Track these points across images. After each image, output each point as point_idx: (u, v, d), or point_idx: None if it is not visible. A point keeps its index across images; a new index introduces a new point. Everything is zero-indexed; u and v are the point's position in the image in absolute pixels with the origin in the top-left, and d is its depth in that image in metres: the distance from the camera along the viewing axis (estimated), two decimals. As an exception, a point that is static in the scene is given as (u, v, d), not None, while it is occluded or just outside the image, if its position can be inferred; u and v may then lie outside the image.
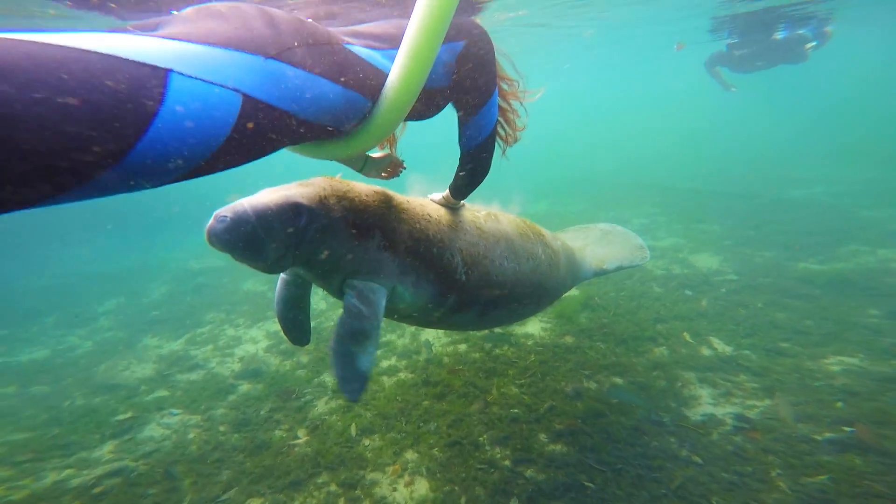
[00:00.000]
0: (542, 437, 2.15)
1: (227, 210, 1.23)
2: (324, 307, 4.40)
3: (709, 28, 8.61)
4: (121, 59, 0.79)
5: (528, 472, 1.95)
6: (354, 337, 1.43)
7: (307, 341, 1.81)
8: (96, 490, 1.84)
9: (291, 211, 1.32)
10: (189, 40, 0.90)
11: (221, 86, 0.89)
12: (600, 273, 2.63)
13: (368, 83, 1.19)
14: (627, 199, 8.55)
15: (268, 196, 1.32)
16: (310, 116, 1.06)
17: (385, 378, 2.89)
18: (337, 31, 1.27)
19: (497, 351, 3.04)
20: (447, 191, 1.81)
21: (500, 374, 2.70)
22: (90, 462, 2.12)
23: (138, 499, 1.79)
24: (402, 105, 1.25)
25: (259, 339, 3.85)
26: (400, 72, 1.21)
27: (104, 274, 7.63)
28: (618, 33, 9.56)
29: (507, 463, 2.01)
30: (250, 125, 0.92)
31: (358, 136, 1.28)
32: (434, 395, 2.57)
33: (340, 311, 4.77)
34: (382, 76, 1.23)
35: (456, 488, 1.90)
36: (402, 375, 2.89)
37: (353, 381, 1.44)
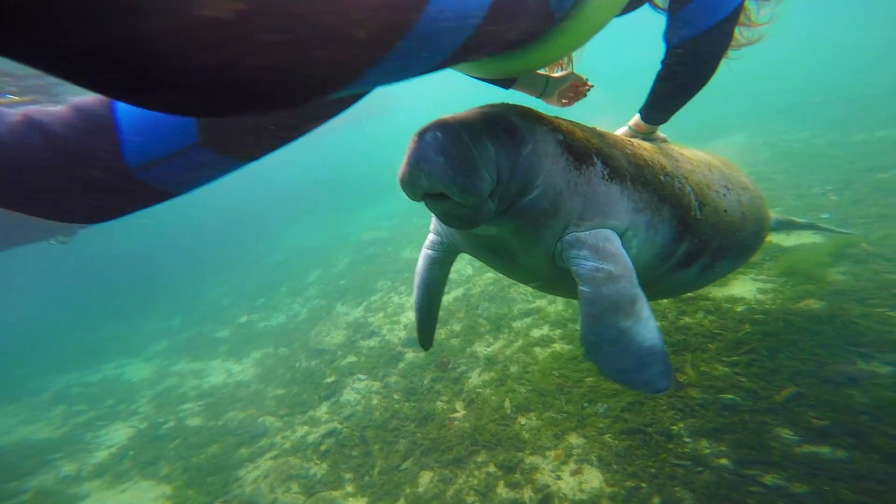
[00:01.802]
0: (786, 433, 1.65)
1: (434, 126, 0.98)
2: (470, 272, 4.55)
3: None
4: None
5: (768, 479, 1.52)
6: (618, 308, 1.08)
7: (431, 344, 1.72)
8: (322, 447, 2.49)
9: (503, 128, 1.06)
10: None
11: None
12: (785, 225, 2.08)
13: None
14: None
15: (471, 114, 1.07)
16: None
17: (538, 349, 2.79)
18: None
19: (686, 319, 2.45)
20: (636, 116, 1.46)
21: (695, 349, 2.18)
22: (315, 420, 2.86)
23: (347, 459, 2.32)
24: None
25: (417, 306, 4.32)
26: None
27: (308, 248, 9.97)
28: None
29: (724, 462, 1.62)
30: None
31: (566, 31, 0.96)
32: (599, 371, 2.29)
33: (489, 274, 4.82)
34: None
35: (643, 485, 1.64)
36: (557, 347, 2.74)
37: (649, 365, 1.08)
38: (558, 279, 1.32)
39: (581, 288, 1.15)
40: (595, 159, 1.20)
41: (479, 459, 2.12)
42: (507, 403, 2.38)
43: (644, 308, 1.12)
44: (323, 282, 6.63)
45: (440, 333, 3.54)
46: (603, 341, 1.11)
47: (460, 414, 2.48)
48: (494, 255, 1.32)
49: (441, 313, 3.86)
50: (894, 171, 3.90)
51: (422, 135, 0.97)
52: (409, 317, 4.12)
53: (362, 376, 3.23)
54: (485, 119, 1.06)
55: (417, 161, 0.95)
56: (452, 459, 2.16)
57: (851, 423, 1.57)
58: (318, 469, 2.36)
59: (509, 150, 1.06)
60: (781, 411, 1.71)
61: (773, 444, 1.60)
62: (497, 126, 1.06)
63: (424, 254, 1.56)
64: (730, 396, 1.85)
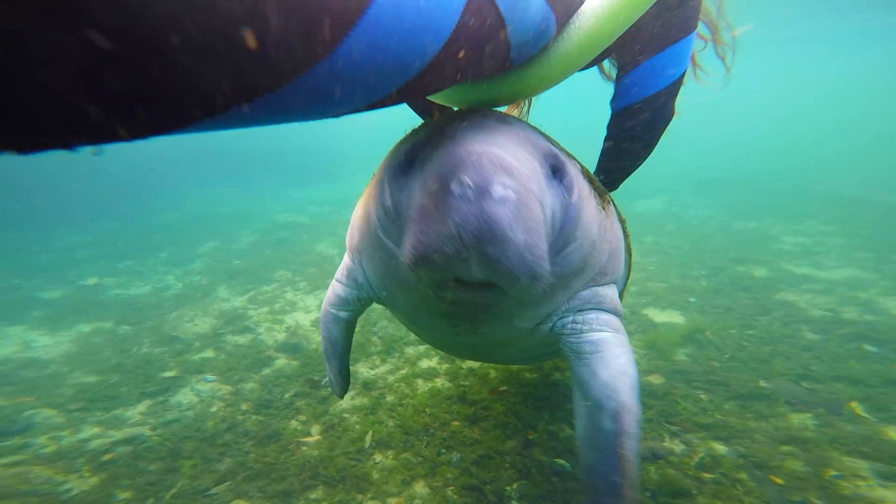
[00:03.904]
0: (590, 508, 1.74)
1: (495, 171, 0.67)
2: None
3: None
4: None
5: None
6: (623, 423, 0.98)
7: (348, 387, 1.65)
8: (106, 457, 2.06)
9: (550, 162, 0.83)
10: None
11: None
12: None
13: (566, 6, 0.90)
14: (782, 209, 6.83)
15: (506, 135, 0.79)
16: (513, 33, 0.78)
17: (420, 382, 2.70)
18: None
19: (557, 375, 2.60)
20: None
21: (553, 408, 2.29)
22: (119, 422, 2.41)
23: (137, 474, 1.94)
24: (603, 37, 0.89)
25: (311, 308, 4.02)
26: None
27: (213, 216, 9.03)
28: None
29: (533, 532, 1.66)
30: (469, 31, 0.66)
31: (521, 77, 0.92)
32: (467, 417, 2.30)
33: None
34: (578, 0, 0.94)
35: (457, 554, 1.62)
36: (438, 383, 2.67)
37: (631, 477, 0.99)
38: (520, 347, 1.19)
39: (595, 387, 0.98)
40: (607, 195, 1.06)
41: (313, 496, 1.92)
42: (369, 436, 2.23)
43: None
44: (215, 256, 5.97)
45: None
46: (609, 466, 0.99)
47: (313, 439, 2.27)
48: (447, 320, 1.05)
49: (334, 321, 3.63)
50: (748, 264, 4.61)
51: (480, 188, 0.64)
52: (297, 318, 3.81)
53: (211, 377, 2.84)
54: (530, 148, 0.80)
55: (480, 239, 0.62)
56: (281, 491, 1.92)
57: (636, 501, 1.70)
58: (80, 484, 1.91)
59: (563, 200, 0.82)
60: (587, 481, 1.82)
61: (575, 517, 1.67)
62: (545, 159, 0.81)
63: (335, 317, 1.36)
64: (562, 462, 1.93)
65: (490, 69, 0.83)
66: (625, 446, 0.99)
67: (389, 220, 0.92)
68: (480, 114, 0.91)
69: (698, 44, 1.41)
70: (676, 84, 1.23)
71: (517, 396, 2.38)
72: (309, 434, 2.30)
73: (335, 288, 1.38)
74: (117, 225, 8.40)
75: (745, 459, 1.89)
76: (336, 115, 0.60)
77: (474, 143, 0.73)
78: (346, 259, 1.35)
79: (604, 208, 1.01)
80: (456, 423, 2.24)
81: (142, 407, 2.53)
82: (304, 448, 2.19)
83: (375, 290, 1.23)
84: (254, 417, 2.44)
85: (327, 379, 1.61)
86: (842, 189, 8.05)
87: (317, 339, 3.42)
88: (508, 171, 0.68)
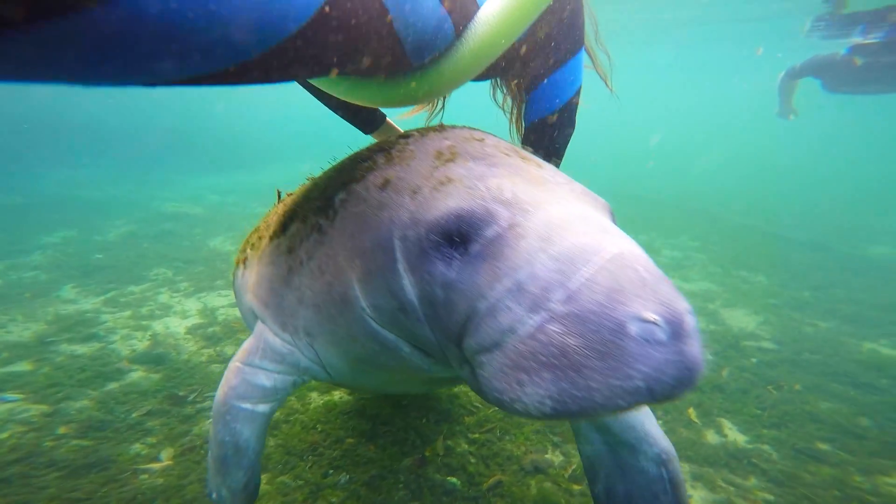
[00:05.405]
0: (462, 525, 1.64)
1: (675, 300, 0.55)
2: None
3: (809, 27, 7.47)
4: None
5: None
6: None
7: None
8: None
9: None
10: None
11: None
12: None
13: (463, 11, 0.99)
14: (664, 224, 7.72)
15: (601, 216, 0.71)
16: (402, 27, 0.83)
17: (315, 395, 2.40)
18: None
19: (459, 388, 2.52)
20: None
21: (452, 421, 2.19)
22: None
23: None
24: (497, 43, 1.01)
25: (191, 313, 3.45)
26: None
27: (77, 200, 7.53)
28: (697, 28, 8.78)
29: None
30: (342, 4, 0.70)
31: (425, 77, 1.03)
32: (363, 433, 2.08)
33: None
34: (475, 7, 1.04)
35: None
36: (336, 396, 2.40)
37: None
38: None
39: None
40: None
41: (142, 537, 1.55)
42: (237, 458, 1.90)
43: None
44: (68, 248, 4.91)
45: (202, 355, 2.83)
46: None
47: (160, 465, 1.86)
48: (428, 381, 1.16)
49: (216, 330, 3.14)
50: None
51: (674, 325, 0.52)
52: (168, 324, 3.24)
53: (13, 395, 2.21)
54: (603, 209, 0.82)
55: (678, 388, 0.52)
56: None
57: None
58: None
59: None
60: (482, 500, 1.76)
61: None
62: (610, 216, 0.87)
63: (249, 414, 1.07)
64: (453, 480, 1.85)
65: (387, 64, 0.89)
66: (681, 494, 1.03)
67: (410, 317, 0.76)
68: (496, 147, 0.85)
69: None
70: (577, 94, 1.43)
71: (419, 410, 2.24)
72: (156, 459, 1.90)
73: (249, 375, 1.10)
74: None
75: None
76: (163, 80, 0.59)
77: (586, 231, 0.60)
78: (271, 339, 1.09)
79: None
80: (350, 439, 2.02)
81: None
82: (145, 476, 1.79)
83: (332, 374, 1.08)
84: (74, 442, 1.93)
85: (214, 495, 1.17)
86: (707, 207, 9.41)
87: (190, 348, 2.92)
88: (667, 282, 0.56)
